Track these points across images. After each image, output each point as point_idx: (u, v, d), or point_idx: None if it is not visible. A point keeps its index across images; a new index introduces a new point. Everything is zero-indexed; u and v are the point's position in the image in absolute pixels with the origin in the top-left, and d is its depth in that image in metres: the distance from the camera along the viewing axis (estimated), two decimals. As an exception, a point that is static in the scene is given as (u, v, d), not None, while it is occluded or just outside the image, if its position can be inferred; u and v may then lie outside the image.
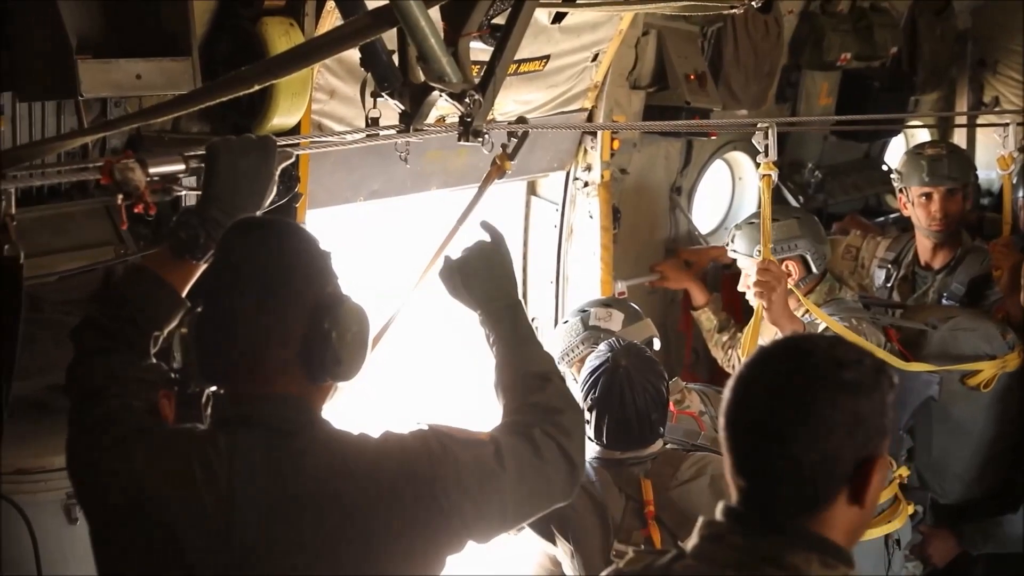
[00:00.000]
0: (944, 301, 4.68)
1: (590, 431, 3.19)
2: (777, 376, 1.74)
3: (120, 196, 2.10)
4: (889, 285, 4.85)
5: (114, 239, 2.82)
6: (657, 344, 3.90)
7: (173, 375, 2.57)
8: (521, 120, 2.84)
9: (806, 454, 1.67)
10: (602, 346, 3.31)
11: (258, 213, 2.33)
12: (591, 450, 3.20)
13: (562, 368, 3.91)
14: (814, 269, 4.28)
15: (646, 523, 3.10)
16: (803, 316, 4.07)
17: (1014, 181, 5.01)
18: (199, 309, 2.11)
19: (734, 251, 4.31)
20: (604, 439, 3.20)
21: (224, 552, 1.96)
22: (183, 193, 2.41)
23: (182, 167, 2.22)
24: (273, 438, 2.01)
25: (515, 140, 2.68)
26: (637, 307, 4.05)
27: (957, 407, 4.08)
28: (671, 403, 3.56)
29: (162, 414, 2.16)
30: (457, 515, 2.06)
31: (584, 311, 3.97)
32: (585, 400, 3.20)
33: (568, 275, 4.75)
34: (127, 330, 2.22)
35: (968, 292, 4.62)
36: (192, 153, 2.25)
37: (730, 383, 1.80)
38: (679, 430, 3.45)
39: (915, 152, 4.79)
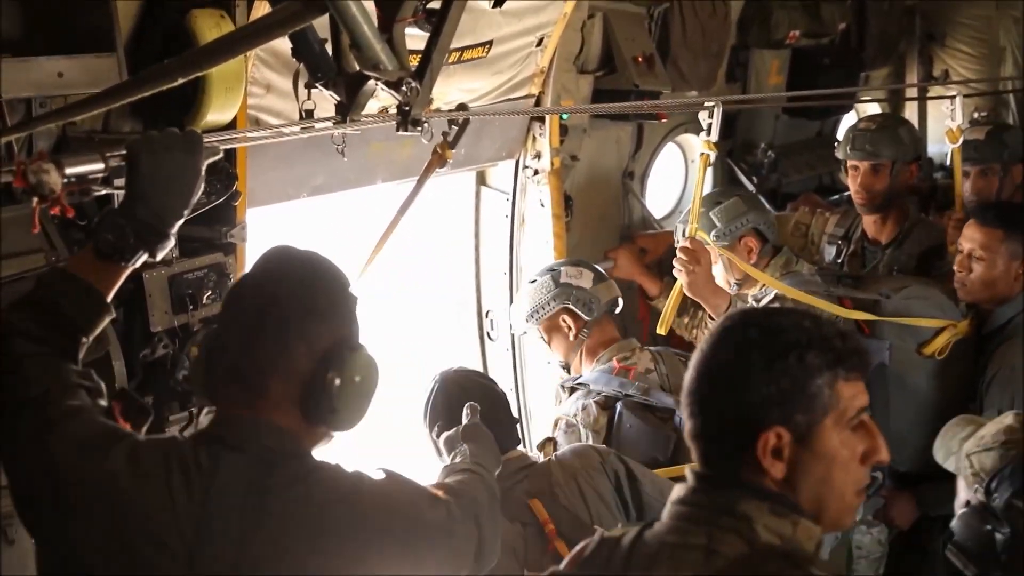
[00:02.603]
0: (894, 274, 4.68)
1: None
2: (725, 348, 1.88)
3: (36, 199, 2.00)
4: (840, 261, 4.85)
5: (45, 245, 2.71)
6: (620, 306, 4.14)
7: (178, 388, 2.87)
8: (461, 107, 2.77)
9: (731, 408, 1.85)
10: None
11: (186, 212, 2.23)
12: None
13: (529, 326, 4.09)
14: (769, 238, 4.36)
15: (550, 541, 3.06)
16: (760, 289, 4.07)
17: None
18: (215, 326, 2.18)
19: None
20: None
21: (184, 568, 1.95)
22: (113, 193, 2.30)
23: (100, 167, 2.11)
24: (258, 466, 2.01)
25: (456, 128, 2.61)
26: None
27: (911, 376, 4.05)
28: (616, 360, 3.89)
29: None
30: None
31: (554, 269, 4.08)
32: (429, 420, 3.30)
33: (521, 265, 4.68)
34: (56, 336, 2.13)
35: (918, 265, 4.62)
36: (112, 152, 2.14)
37: (691, 361, 1.94)
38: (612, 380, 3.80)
39: (852, 125, 4.82)
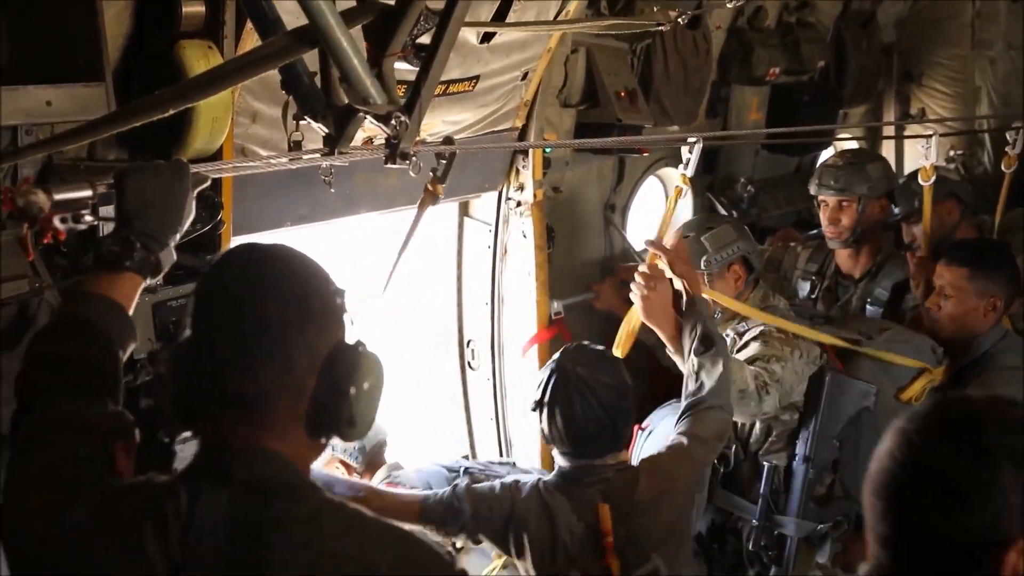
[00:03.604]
0: (868, 307, 4.73)
1: (547, 435, 3.23)
2: (955, 448, 1.66)
3: (26, 224, 2.01)
4: (814, 296, 4.88)
5: (28, 271, 2.71)
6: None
7: (138, 418, 2.34)
8: (448, 140, 2.78)
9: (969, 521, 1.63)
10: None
11: (177, 237, 2.24)
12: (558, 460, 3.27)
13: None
14: (756, 266, 4.37)
15: (604, 554, 3.07)
16: (738, 324, 4.08)
17: None
18: (180, 342, 1.89)
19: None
20: (562, 444, 3.21)
21: None
22: (99, 224, 2.31)
23: (88, 193, 2.13)
24: (243, 500, 1.78)
25: (444, 162, 2.62)
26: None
27: (885, 421, 4.10)
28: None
29: (116, 467, 1.93)
30: None
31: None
32: (540, 408, 3.24)
33: (503, 296, 4.69)
34: (81, 368, 2.03)
35: (891, 298, 4.69)
36: (100, 180, 2.16)
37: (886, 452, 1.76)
38: None
39: (822, 161, 4.93)
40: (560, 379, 3.22)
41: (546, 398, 3.22)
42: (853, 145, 6.83)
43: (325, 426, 1.85)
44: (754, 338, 4.01)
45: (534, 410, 3.27)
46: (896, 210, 4.91)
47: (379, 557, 1.79)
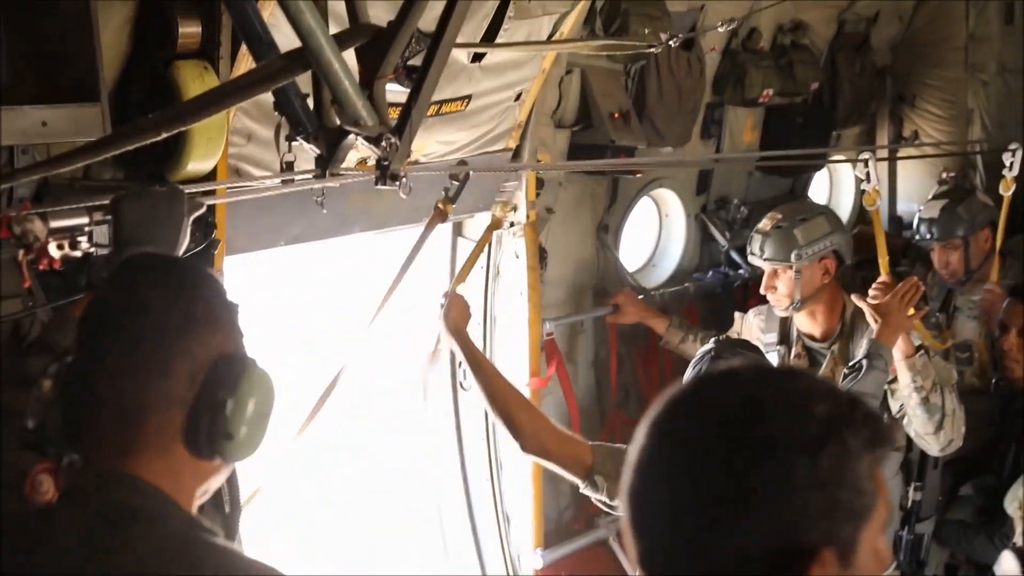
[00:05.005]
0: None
1: None
2: (723, 440, 1.29)
3: (22, 251, 2.02)
4: None
5: (22, 291, 2.72)
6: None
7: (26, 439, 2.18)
8: (462, 163, 2.81)
9: (756, 533, 1.27)
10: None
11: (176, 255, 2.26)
12: None
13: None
14: (847, 260, 4.30)
15: None
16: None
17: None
18: (68, 358, 1.78)
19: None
20: None
21: None
22: (93, 250, 2.33)
23: (85, 220, 2.14)
24: (101, 527, 1.62)
25: (456, 184, 2.64)
26: None
27: None
28: None
29: (28, 490, 1.85)
30: None
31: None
32: None
33: (495, 315, 4.71)
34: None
35: None
36: (96, 205, 2.17)
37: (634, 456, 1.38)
38: None
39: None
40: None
41: None
42: (847, 167, 6.90)
43: (201, 442, 1.72)
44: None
45: None
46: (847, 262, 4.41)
47: None
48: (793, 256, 4.16)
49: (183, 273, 1.81)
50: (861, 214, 7.17)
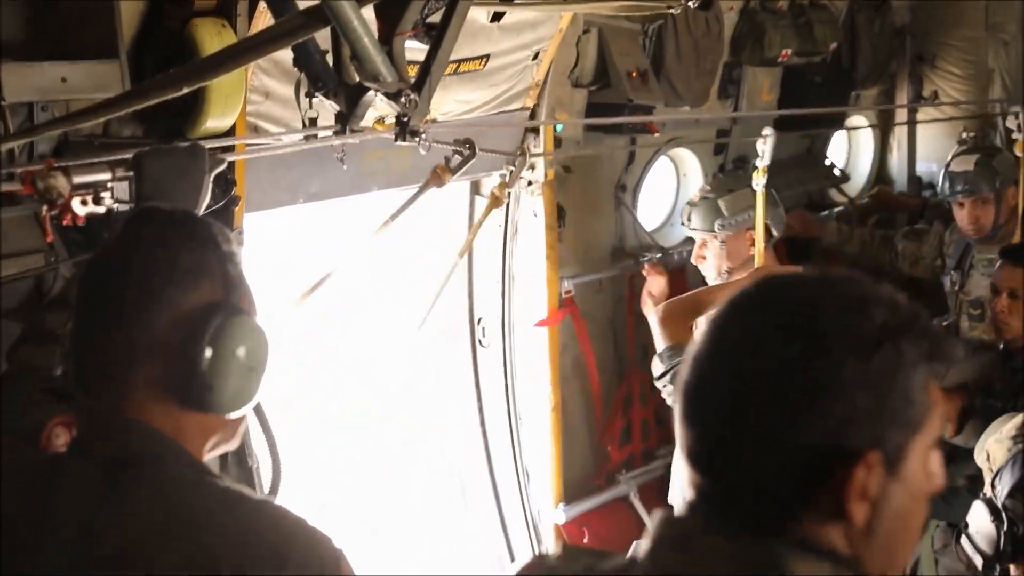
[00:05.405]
0: None
1: None
2: (780, 338, 1.29)
3: (45, 207, 2.03)
4: None
5: (44, 247, 2.75)
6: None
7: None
8: (466, 141, 2.81)
9: (805, 430, 1.26)
10: None
11: (198, 212, 2.27)
12: None
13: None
14: (775, 234, 4.36)
15: None
16: None
17: None
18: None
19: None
20: None
21: None
22: (115, 206, 2.35)
23: (108, 176, 2.16)
24: (105, 472, 1.64)
25: (458, 156, 2.65)
26: None
27: None
28: None
29: (44, 443, 1.86)
30: None
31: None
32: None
33: (514, 274, 4.73)
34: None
35: None
36: (118, 160, 2.19)
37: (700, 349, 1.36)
38: None
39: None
40: None
41: None
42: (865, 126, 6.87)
43: (185, 393, 1.69)
44: None
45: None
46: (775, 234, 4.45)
47: (217, 540, 1.59)
48: (716, 225, 4.33)
49: (176, 223, 1.78)
50: (879, 175, 7.16)
